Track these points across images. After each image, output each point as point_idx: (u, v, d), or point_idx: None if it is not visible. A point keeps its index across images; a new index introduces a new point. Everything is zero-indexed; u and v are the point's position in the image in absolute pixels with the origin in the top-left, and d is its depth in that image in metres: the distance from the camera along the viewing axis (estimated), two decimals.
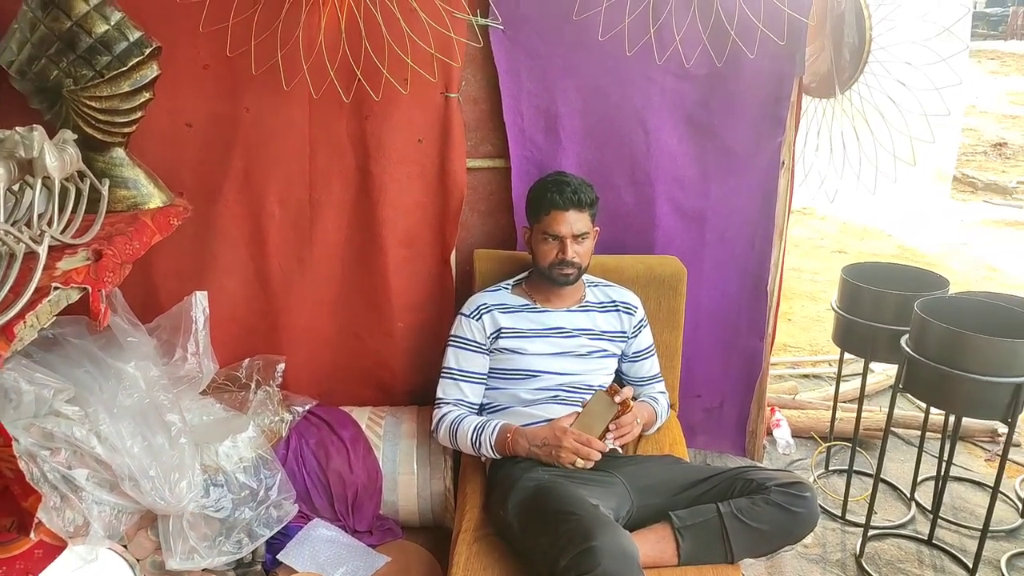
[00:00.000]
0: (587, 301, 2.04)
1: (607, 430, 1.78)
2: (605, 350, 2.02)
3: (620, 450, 1.96)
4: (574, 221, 1.89)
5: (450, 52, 2.03)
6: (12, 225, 1.24)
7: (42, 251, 1.23)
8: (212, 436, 1.87)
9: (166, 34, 1.81)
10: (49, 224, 1.37)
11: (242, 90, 2.03)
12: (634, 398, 1.93)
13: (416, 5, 1.88)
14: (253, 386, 2.14)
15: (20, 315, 1.16)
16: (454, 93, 2.12)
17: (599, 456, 1.74)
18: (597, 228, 2.00)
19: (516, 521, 1.66)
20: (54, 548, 1.48)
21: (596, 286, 2.08)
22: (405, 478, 2.15)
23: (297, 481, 2.06)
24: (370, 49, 1.93)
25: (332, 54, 1.93)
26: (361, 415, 2.24)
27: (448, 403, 1.96)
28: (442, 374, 2.00)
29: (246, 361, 2.22)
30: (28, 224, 1.35)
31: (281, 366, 2.20)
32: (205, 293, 1.98)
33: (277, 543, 1.96)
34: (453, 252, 2.26)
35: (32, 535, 1.42)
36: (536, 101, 2.18)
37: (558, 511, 1.54)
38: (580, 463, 1.73)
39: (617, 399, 1.76)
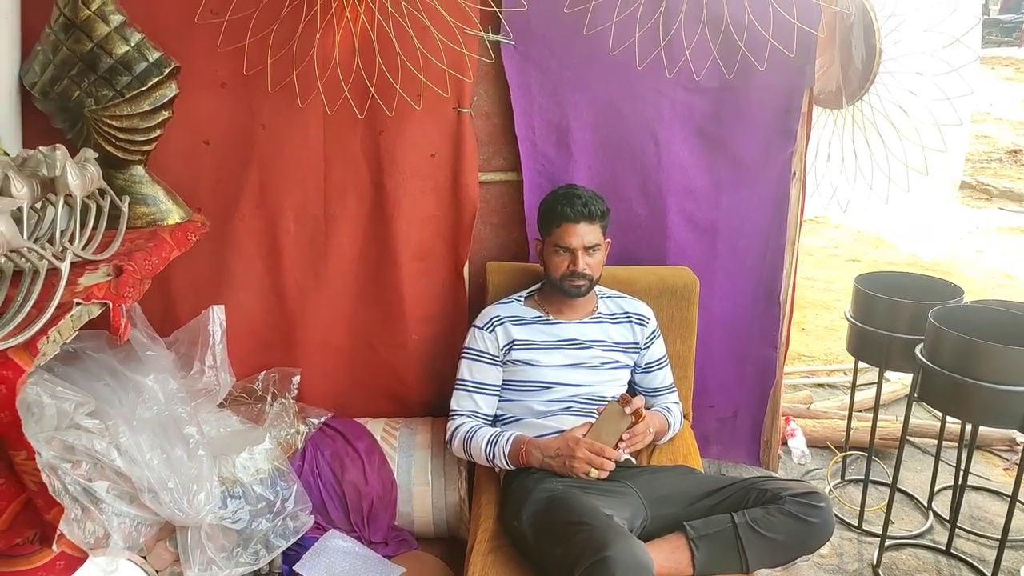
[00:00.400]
0: (600, 313, 2.05)
1: (620, 440, 1.78)
2: (618, 361, 2.03)
3: (634, 460, 1.97)
4: (585, 233, 1.91)
5: (462, 68, 2.05)
6: (35, 242, 1.27)
7: (64, 267, 1.25)
8: (229, 448, 1.89)
9: (184, 54, 1.85)
10: (71, 241, 1.40)
11: (258, 108, 2.06)
12: (646, 407, 1.93)
13: (429, 22, 1.90)
14: (269, 398, 2.16)
15: (43, 330, 1.18)
16: (466, 108, 2.14)
17: (613, 466, 1.74)
18: (609, 240, 2.01)
19: (530, 532, 1.66)
20: (75, 560, 1.49)
21: (609, 297, 2.09)
22: (420, 489, 2.16)
23: (313, 492, 2.07)
24: (383, 66, 1.96)
25: (346, 71, 1.96)
26: (376, 427, 2.26)
27: (462, 415, 1.98)
28: (456, 386, 2.01)
29: (262, 374, 2.24)
30: (50, 241, 1.38)
31: (297, 378, 2.22)
32: (222, 307, 2.00)
33: (293, 554, 1.97)
34: (466, 265, 2.28)
35: (54, 547, 1.44)
36: (547, 115, 2.20)
37: (572, 521, 1.54)
38: (594, 473, 1.73)
39: (628, 410, 1.77)
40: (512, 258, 2.33)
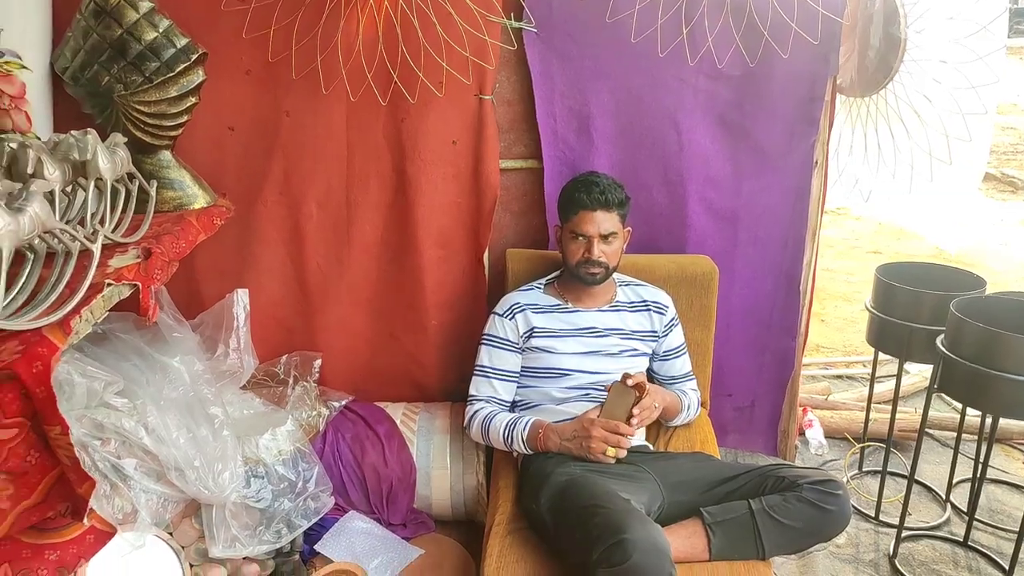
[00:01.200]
0: (618, 301, 2.06)
1: (631, 416, 1.79)
2: (636, 349, 2.04)
3: (651, 446, 1.98)
4: (601, 221, 1.91)
5: (484, 55, 2.06)
6: (67, 224, 1.30)
7: (96, 249, 1.29)
8: (253, 429, 1.92)
9: (211, 41, 1.87)
10: (101, 223, 1.43)
11: (282, 94, 2.08)
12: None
13: (451, 9, 1.91)
14: (291, 381, 2.20)
15: (76, 310, 1.21)
16: (488, 95, 2.15)
17: (629, 443, 1.76)
18: (629, 228, 2.01)
19: (548, 515, 1.68)
20: (104, 534, 1.53)
21: (627, 285, 2.10)
22: (438, 473, 2.18)
23: (333, 474, 2.11)
24: (406, 53, 1.97)
25: (369, 58, 1.98)
26: (396, 411, 2.29)
27: (481, 400, 2.00)
28: (475, 372, 2.03)
29: (284, 357, 2.27)
30: (81, 223, 1.41)
31: (318, 362, 2.25)
32: (246, 291, 2.02)
33: (314, 534, 2.01)
34: (486, 252, 2.30)
35: (85, 521, 1.47)
36: (569, 102, 2.20)
37: (590, 505, 1.56)
38: (611, 452, 1.74)
39: (630, 382, 1.77)
40: (532, 245, 2.34)
